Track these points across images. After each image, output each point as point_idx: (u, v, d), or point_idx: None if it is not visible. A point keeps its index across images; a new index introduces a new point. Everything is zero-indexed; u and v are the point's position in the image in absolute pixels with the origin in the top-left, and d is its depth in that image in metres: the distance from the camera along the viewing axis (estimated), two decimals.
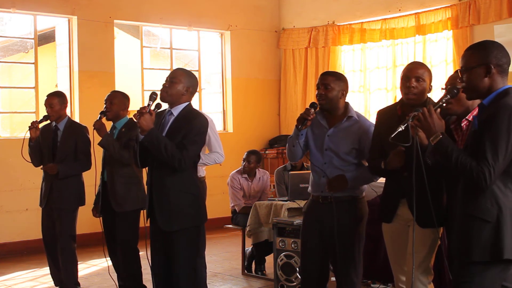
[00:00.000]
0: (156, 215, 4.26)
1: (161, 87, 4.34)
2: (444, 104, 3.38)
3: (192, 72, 4.54)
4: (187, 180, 4.27)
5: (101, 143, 5.50)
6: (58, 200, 5.97)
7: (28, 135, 6.12)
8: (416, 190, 3.68)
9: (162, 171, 4.23)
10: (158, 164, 4.23)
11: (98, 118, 5.55)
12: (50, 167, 5.92)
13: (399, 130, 3.48)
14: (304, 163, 7.38)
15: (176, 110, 4.31)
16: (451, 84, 3.79)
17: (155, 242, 4.37)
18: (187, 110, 4.32)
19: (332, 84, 4.31)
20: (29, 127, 6.01)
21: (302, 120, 4.27)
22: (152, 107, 4.21)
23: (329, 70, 10.47)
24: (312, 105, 4.32)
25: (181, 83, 4.29)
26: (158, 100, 4.29)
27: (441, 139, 3.16)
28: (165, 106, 4.39)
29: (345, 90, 4.38)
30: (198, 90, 10.59)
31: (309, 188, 4.59)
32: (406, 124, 3.43)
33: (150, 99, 4.23)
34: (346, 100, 4.45)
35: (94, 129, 5.51)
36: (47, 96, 6.15)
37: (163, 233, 4.27)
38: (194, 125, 4.23)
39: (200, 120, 4.29)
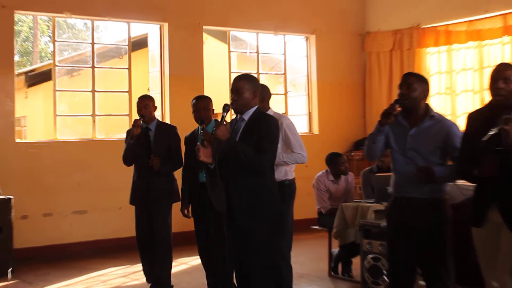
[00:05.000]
0: (235, 214, 4.40)
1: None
2: None
3: (253, 74, 4.72)
4: (263, 178, 4.41)
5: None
6: (155, 198, 6.16)
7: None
8: (508, 194, 3.66)
9: (238, 172, 4.39)
10: (232, 165, 4.38)
11: (201, 129, 5.30)
12: (155, 161, 6.08)
13: (490, 133, 3.47)
14: (391, 165, 7.32)
15: (247, 115, 4.48)
16: None
17: (231, 239, 4.51)
18: (257, 114, 4.49)
19: (415, 84, 4.33)
20: (133, 124, 6.13)
21: (386, 114, 4.29)
22: (227, 118, 4.44)
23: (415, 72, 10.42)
24: (397, 101, 4.34)
25: (247, 90, 4.45)
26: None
27: None
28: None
29: (426, 91, 4.41)
30: (284, 93, 10.88)
31: (390, 189, 4.57)
32: (499, 127, 3.42)
33: (223, 111, 4.45)
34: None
35: (205, 140, 5.58)
36: (141, 98, 6.35)
37: (240, 231, 4.40)
38: (265, 127, 4.38)
39: (270, 121, 4.45)
